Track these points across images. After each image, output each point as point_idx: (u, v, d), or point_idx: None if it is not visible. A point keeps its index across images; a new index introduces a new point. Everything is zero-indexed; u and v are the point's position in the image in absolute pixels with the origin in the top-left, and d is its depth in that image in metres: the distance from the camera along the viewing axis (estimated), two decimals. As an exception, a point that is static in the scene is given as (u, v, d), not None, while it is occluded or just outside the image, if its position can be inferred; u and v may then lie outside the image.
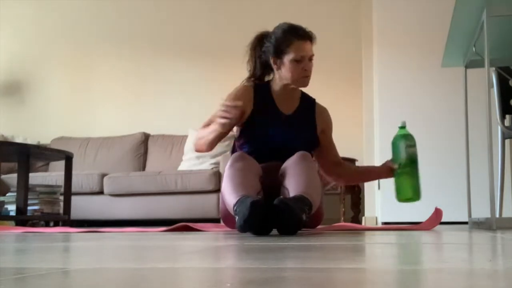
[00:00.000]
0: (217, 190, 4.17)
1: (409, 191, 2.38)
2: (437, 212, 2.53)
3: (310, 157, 2.25)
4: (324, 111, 2.56)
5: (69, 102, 5.72)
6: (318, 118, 2.51)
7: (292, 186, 2.08)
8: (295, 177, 2.11)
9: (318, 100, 2.61)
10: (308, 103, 2.53)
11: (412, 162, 2.38)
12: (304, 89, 2.55)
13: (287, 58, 2.35)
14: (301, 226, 1.91)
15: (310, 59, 2.39)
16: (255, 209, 1.82)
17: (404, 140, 2.39)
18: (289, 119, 2.42)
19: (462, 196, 3.48)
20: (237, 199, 1.97)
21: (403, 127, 2.45)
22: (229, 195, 2.05)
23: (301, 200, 1.96)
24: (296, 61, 2.34)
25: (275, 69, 2.41)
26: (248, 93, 2.40)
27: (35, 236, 2.01)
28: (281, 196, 2.02)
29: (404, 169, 2.37)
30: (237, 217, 1.92)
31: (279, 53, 2.37)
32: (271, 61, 2.39)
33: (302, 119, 2.47)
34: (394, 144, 2.43)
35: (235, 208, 1.96)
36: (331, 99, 5.00)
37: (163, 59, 5.54)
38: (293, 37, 2.36)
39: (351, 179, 2.93)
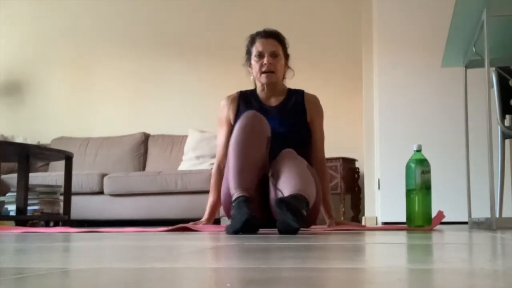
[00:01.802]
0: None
1: (420, 219, 2.38)
2: (439, 214, 2.54)
3: (295, 153, 2.28)
4: (313, 98, 2.60)
5: (69, 102, 5.72)
6: (308, 105, 2.56)
7: (286, 187, 2.10)
8: (286, 178, 2.13)
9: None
10: (295, 94, 2.59)
11: (426, 188, 2.38)
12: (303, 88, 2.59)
13: (252, 58, 2.53)
14: (303, 220, 1.94)
15: (272, 55, 2.50)
16: (247, 226, 1.94)
17: (420, 166, 2.39)
18: (276, 109, 2.47)
19: (462, 196, 3.48)
20: (236, 197, 2.08)
21: (418, 150, 2.44)
22: (231, 181, 2.14)
23: (297, 198, 1.99)
24: (257, 57, 2.50)
25: (251, 74, 2.58)
26: (232, 101, 2.58)
27: (35, 236, 2.01)
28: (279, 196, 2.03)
29: (417, 196, 2.38)
30: (231, 219, 2.03)
31: (249, 56, 2.56)
32: (248, 68, 2.58)
33: (291, 107, 2.54)
34: (409, 168, 2.41)
35: (232, 208, 2.07)
36: (331, 99, 5.00)
37: (163, 59, 5.54)
38: (255, 37, 2.55)
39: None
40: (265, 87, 2.55)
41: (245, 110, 2.45)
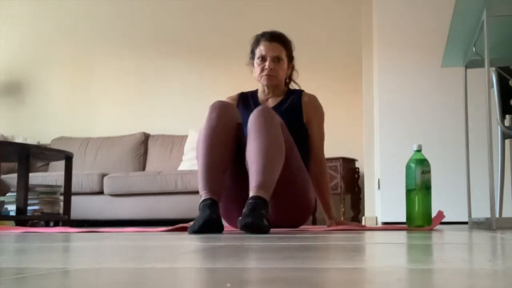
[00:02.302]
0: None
1: (420, 219, 2.39)
2: (439, 214, 2.54)
3: (267, 113, 2.22)
4: (311, 98, 2.60)
5: (69, 102, 5.72)
6: (304, 105, 2.56)
7: (251, 177, 2.11)
8: (252, 163, 2.12)
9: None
10: (293, 94, 2.60)
11: (426, 188, 2.38)
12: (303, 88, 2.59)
13: (255, 59, 2.56)
14: (267, 231, 1.99)
15: (275, 60, 2.52)
16: (206, 227, 2.01)
17: (420, 166, 2.39)
18: (273, 109, 2.45)
19: (462, 196, 3.48)
20: (202, 199, 2.13)
21: (418, 150, 2.44)
22: (199, 180, 2.19)
23: (258, 207, 2.00)
24: (260, 60, 2.52)
25: (253, 73, 2.60)
26: (232, 99, 2.61)
27: (35, 236, 2.01)
28: (240, 218, 2.02)
29: (417, 196, 2.38)
30: (194, 220, 2.09)
31: (253, 56, 2.58)
32: (251, 66, 2.60)
33: (286, 108, 2.54)
34: (409, 168, 2.41)
35: (198, 208, 2.13)
36: (331, 99, 5.00)
37: (163, 59, 5.54)
38: (260, 38, 2.56)
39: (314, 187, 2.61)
40: (266, 88, 2.58)
41: (244, 112, 2.47)
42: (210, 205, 2.09)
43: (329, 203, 2.57)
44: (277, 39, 2.55)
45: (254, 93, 2.66)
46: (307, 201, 2.42)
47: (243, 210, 2.01)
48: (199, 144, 2.24)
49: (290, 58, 2.60)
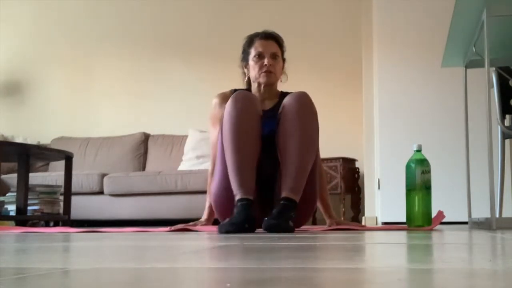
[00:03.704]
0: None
1: (420, 219, 2.39)
2: (439, 214, 2.54)
3: (311, 103, 2.27)
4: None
5: (69, 102, 5.72)
6: None
7: (285, 176, 2.17)
8: (289, 163, 2.18)
9: (317, 100, 2.61)
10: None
11: (426, 188, 2.38)
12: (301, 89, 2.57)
13: (251, 58, 2.51)
14: (292, 231, 2.09)
15: (273, 56, 2.50)
16: (242, 228, 2.03)
17: (420, 166, 2.39)
18: (268, 113, 2.44)
19: (462, 196, 3.48)
20: (239, 198, 2.14)
21: (418, 150, 2.44)
22: (233, 178, 2.18)
23: (288, 209, 2.11)
24: (257, 58, 2.49)
25: (246, 74, 2.57)
26: (224, 99, 2.51)
27: (35, 236, 2.01)
28: (267, 218, 2.09)
29: (417, 196, 2.38)
30: (230, 219, 2.09)
31: (246, 57, 2.55)
32: (243, 68, 2.57)
33: None
34: (409, 168, 2.41)
35: (235, 207, 2.13)
36: (331, 99, 5.00)
37: (163, 59, 5.54)
38: (254, 38, 2.54)
39: None
40: (262, 88, 2.52)
41: None
42: (247, 206, 2.11)
43: (328, 203, 2.57)
44: (272, 37, 2.54)
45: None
46: (313, 202, 2.42)
47: (273, 210, 2.09)
48: (226, 139, 2.21)
49: (283, 59, 2.59)
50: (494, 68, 3.09)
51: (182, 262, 0.87)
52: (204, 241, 1.53)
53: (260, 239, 1.58)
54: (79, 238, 1.84)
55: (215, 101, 2.57)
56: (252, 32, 2.62)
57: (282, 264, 0.79)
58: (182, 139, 5.08)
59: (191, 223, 2.60)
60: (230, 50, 5.22)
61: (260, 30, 2.60)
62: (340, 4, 5.17)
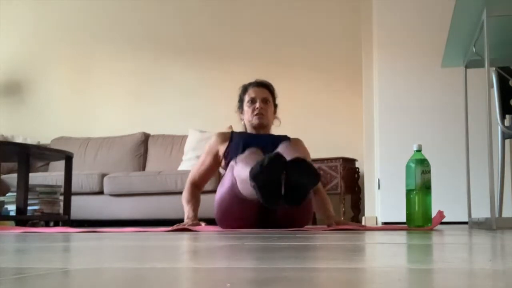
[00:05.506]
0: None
1: (420, 219, 2.39)
2: (439, 214, 2.54)
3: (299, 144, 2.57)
4: (297, 141, 2.81)
5: (69, 102, 5.72)
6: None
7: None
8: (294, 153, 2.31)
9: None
10: (281, 138, 2.77)
11: (426, 188, 2.38)
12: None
13: (245, 104, 2.81)
14: (318, 179, 2.19)
15: (264, 101, 2.79)
16: (274, 161, 2.11)
17: (420, 166, 2.39)
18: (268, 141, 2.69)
19: (462, 196, 3.48)
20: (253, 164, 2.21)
21: (418, 150, 2.44)
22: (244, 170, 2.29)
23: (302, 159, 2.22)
24: (250, 103, 2.78)
25: (242, 120, 2.84)
26: (224, 140, 2.78)
27: (35, 236, 2.01)
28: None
29: (417, 196, 2.38)
30: (252, 169, 2.14)
31: (241, 105, 2.84)
32: (239, 115, 2.85)
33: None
34: (409, 168, 2.42)
35: (251, 171, 2.17)
36: (331, 99, 5.00)
37: (163, 59, 5.54)
38: (248, 86, 2.85)
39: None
40: (255, 130, 2.76)
41: (235, 150, 2.63)
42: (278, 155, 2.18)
43: (327, 202, 2.63)
44: (264, 85, 2.83)
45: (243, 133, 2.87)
46: (310, 209, 2.54)
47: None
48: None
49: (275, 104, 2.85)
50: (494, 68, 3.09)
51: (182, 262, 0.87)
52: (204, 241, 1.53)
53: (260, 239, 1.58)
54: (79, 238, 1.84)
55: (214, 138, 2.82)
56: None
57: (282, 264, 0.79)
58: (182, 139, 5.08)
59: (181, 224, 2.61)
60: (230, 50, 5.22)
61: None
62: (340, 4, 5.17)
